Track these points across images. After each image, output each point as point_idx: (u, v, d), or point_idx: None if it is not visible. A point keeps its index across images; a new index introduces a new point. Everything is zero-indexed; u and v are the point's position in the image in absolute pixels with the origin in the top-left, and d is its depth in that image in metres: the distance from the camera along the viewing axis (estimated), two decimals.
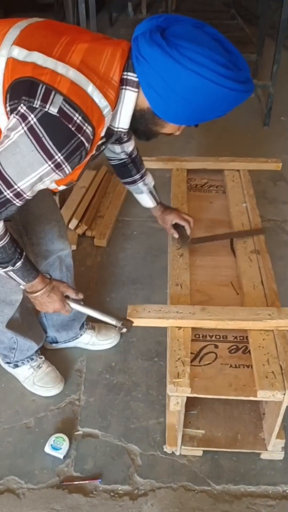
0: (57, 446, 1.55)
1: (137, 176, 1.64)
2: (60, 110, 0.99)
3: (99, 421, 1.65)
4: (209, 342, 1.47)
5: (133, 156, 1.60)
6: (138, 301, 2.03)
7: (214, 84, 0.99)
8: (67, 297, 1.36)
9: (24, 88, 1.01)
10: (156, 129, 1.17)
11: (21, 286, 1.29)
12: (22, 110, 1.01)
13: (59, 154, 1.03)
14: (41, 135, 1.01)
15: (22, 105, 1.01)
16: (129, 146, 1.55)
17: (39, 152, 1.02)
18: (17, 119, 1.02)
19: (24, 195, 1.10)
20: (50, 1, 5.01)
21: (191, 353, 1.41)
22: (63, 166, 1.06)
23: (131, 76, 1.07)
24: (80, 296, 1.38)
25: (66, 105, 0.99)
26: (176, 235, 1.74)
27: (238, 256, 1.73)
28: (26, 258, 1.24)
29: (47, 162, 1.04)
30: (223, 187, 2.11)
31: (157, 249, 2.31)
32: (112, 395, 1.73)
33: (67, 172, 1.08)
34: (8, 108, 1.05)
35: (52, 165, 1.04)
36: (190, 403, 1.58)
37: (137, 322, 1.45)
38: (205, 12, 5.33)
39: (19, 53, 1.04)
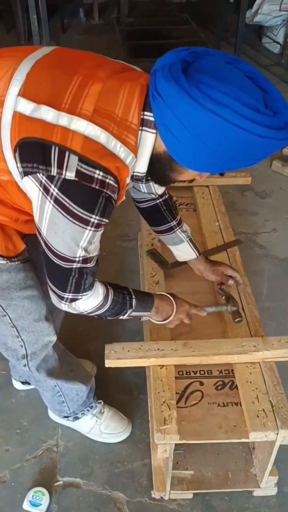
0: (36, 502, 1.43)
1: (174, 223, 1.46)
2: (78, 172, 0.90)
3: (80, 468, 1.53)
4: (194, 379, 1.38)
5: (166, 198, 1.43)
6: (114, 329, 1.93)
7: (238, 128, 0.84)
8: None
9: (36, 152, 0.92)
10: (173, 175, 1.04)
11: (152, 319, 1.32)
12: (43, 181, 0.93)
13: (94, 216, 0.96)
14: (68, 205, 0.94)
15: (41, 174, 0.92)
16: (158, 187, 1.37)
17: (74, 223, 0.96)
18: (42, 192, 0.94)
19: (88, 257, 1.04)
20: None
21: (176, 393, 1.32)
22: (102, 223, 0.99)
23: (148, 115, 0.95)
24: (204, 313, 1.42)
25: (83, 165, 0.90)
26: (231, 282, 1.55)
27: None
28: (135, 291, 1.24)
29: (86, 228, 0.98)
30: (193, 204, 2.04)
31: (129, 270, 2.22)
32: None
33: (106, 224, 1.01)
34: (21, 169, 0.95)
35: (92, 228, 0.98)
36: None
37: (117, 364, 1.35)
38: (158, 17, 5.29)
39: (26, 107, 0.92)
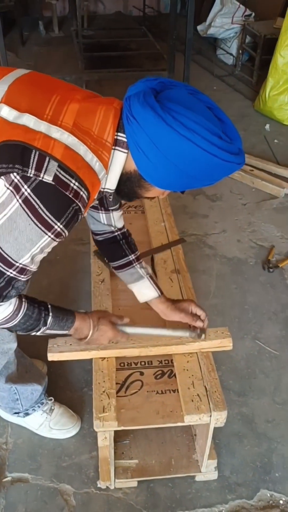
0: None
1: (133, 257, 1.44)
2: (56, 177, 0.94)
3: (29, 464, 1.57)
4: (134, 370, 1.44)
5: (124, 231, 1.46)
6: None
7: (206, 153, 0.94)
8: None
9: (15, 154, 0.95)
10: (140, 192, 1.11)
11: (70, 333, 1.26)
12: (15, 180, 0.95)
13: (59, 224, 0.98)
14: (37, 207, 0.95)
15: (15, 174, 0.95)
16: (118, 219, 1.41)
17: (37, 225, 0.97)
18: (11, 190, 0.95)
19: (28, 269, 1.04)
20: None
21: (116, 383, 1.38)
22: (63, 234, 1.01)
23: (121, 136, 1.02)
24: (126, 321, 1.34)
25: (62, 172, 0.94)
26: (200, 324, 1.41)
27: (159, 277, 1.73)
28: (54, 308, 1.19)
29: (46, 234, 0.98)
30: (142, 207, 2.12)
31: (82, 272, 2.27)
32: None
33: (65, 236, 1.03)
34: None
35: (52, 236, 0.99)
36: (123, 432, 1.55)
37: (59, 357, 1.40)
38: (117, 30, 5.41)
39: (9, 113, 0.97)
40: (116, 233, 1.44)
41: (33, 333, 1.19)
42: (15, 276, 1.03)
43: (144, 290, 1.45)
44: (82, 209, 1.01)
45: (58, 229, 0.99)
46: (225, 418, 1.32)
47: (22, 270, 1.03)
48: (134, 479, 1.49)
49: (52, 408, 1.63)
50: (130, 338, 1.38)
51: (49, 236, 0.99)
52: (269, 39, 4.00)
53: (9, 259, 1.00)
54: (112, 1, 5.91)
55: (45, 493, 1.50)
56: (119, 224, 1.43)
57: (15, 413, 1.60)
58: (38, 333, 1.19)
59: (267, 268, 2.34)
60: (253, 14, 4.46)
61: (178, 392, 1.38)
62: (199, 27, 4.72)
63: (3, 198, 0.96)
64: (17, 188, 0.95)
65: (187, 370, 1.41)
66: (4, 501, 1.47)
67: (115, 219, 1.41)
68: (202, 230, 2.61)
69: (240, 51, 4.46)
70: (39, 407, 1.60)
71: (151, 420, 1.32)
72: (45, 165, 0.94)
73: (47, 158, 0.94)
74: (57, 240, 1.01)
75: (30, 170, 0.94)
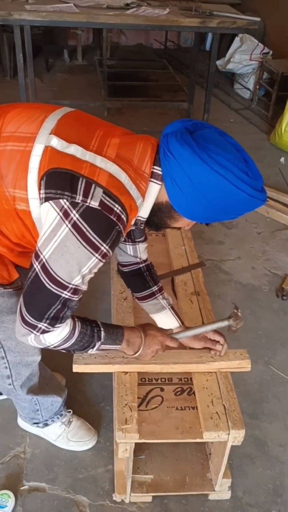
0: (2, 504, 1.48)
1: (156, 288, 1.52)
2: (101, 203, 1.03)
3: (46, 474, 1.60)
4: (155, 386, 1.49)
5: (148, 264, 1.53)
6: None
7: (236, 188, 1.04)
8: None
9: (64, 181, 1.03)
10: (170, 222, 1.19)
11: (124, 353, 1.34)
12: (65, 206, 1.03)
13: (105, 245, 1.06)
14: (85, 230, 1.03)
15: (65, 200, 1.03)
16: (143, 251, 1.50)
17: (86, 247, 1.04)
18: (60, 216, 1.03)
19: (80, 289, 1.11)
20: None
21: (138, 397, 1.42)
22: (108, 254, 1.08)
23: (157, 169, 1.11)
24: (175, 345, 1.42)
25: (107, 198, 1.03)
26: (219, 348, 1.48)
27: (179, 298, 1.79)
28: (103, 324, 1.26)
29: (94, 255, 1.06)
30: (163, 230, 2.20)
31: (100, 292, 2.33)
32: None
33: (110, 257, 1.10)
34: (43, 195, 1.05)
35: (99, 257, 1.06)
36: (138, 447, 1.58)
37: (84, 369, 1.45)
38: (138, 60, 5.62)
39: (58, 144, 1.06)
40: (141, 265, 1.52)
41: (90, 350, 1.25)
42: (69, 297, 1.10)
43: (165, 320, 1.53)
44: (123, 231, 1.09)
45: (105, 250, 1.06)
46: (242, 437, 1.36)
47: (75, 291, 1.10)
48: (149, 494, 1.52)
49: (71, 420, 1.68)
50: (178, 343, 1.43)
51: (96, 257, 1.06)
52: (285, 76, 4.16)
53: (63, 281, 1.07)
54: (134, 33, 6.15)
55: (61, 504, 1.53)
56: (144, 256, 1.52)
57: (35, 423, 1.64)
58: (94, 350, 1.25)
59: (281, 296, 2.40)
60: (271, 52, 4.65)
61: (197, 409, 1.42)
62: (218, 62, 4.90)
63: (54, 225, 1.04)
64: (66, 214, 1.03)
65: (206, 388, 1.45)
66: (21, 509, 1.50)
67: (141, 251, 1.50)
68: (218, 256, 2.68)
69: (257, 86, 4.62)
70: (58, 418, 1.65)
71: (171, 435, 1.37)
72: (91, 191, 1.03)
73: (93, 185, 1.03)
74: (103, 260, 1.09)
75: (78, 196, 1.02)
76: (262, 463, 1.69)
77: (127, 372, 1.47)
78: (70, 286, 1.08)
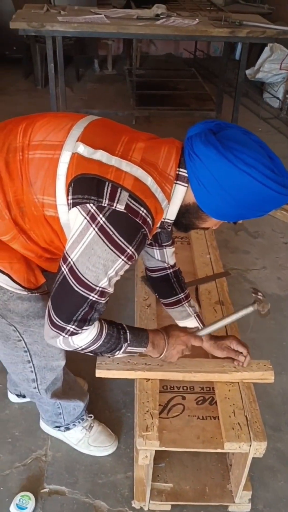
0: (22, 505, 1.50)
1: (182, 295, 1.53)
2: (127, 206, 1.05)
3: (66, 477, 1.61)
4: (176, 394, 1.49)
5: (176, 270, 1.54)
6: None
7: (262, 185, 1.05)
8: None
9: (90, 186, 1.06)
10: (198, 223, 1.21)
11: (151, 356, 1.35)
12: (92, 210, 1.05)
13: (130, 247, 1.08)
14: (111, 233, 1.05)
15: (92, 204, 1.05)
16: (170, 256, 1.51)
17: (112, 250, 1.07)
18: (87, 220, 1.06)
19: (106, 291, 1.13)
20: (19, 56, 5.18)
21: (159, 405, 1.43)
22: (134, 257, 1.10)
23: (183, 172, 1.13)
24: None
25: (132, 201, 1.05)
26: (242, 359, 1.47)
27: (203, 307, 1.79)
28: (128, 326, 1.28)
29: (120, 257, 1.08)
30: (188, 238, 2.20)
31: (124, 298, 2.34)
32: None
33: (135, 260, 1.13)
34: (71, 201, 1.08)
35: (125, 259, 1.09)
36: (158, 455, 1.58)
37: (106, 374, 1.46)
38: (167, 70, 5.66)
39: (84, 150, 1.09)
40: (168, 271, 1.53)
41: (116, 353, 1.27)
42: (97, 300, 1.12)
43: (190, 328, 1.52)
44: (149, 234, 1.10)
45: (130, 253, 1.08)
46: (264, 449, 1.34)
47: (102, 293, 1.12)
48: (168, 503, 1.52)
49: (92, 425, 1.69)
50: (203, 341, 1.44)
51: (123, 260, 1.08)
52: None
53: (90, 284, 1.09)
54: (164, 43, 6.20)
55: (80, 508, 1.54)
56: (172, 261, 1.53)
57: (56, 426, 1.66)
58: (120, 352, 1.27)
59: None
60: None
61: (218, 419, 1.41)
62: (247, 71, 4.89)
63: (80, 229, 1.07)
64: (93, 218, 1.05)
65: (229, 398, 1.44)
66: (41, 511, 1.52)
67: (168, 256, 1.51)
68: (243, 265, 2.66)
69: (287, 96, 4.58)
70: (79, 422, 1.66)
71: (192, 444, 1.36)
72: (117, 195, 1.05)
73: (119, 189, 1.05)
74: (129, 263, 1.10)
75: (104, 200, 1.05)
76: (284, 476, 1.66)
77: (149, 379, 1.47)
78: (97, 288, 1.10)
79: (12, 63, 5.26)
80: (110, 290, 1.14)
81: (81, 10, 3.47)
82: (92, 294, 1.11)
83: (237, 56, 5.84)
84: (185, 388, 1.51)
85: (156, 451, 1.37)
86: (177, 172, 1.13)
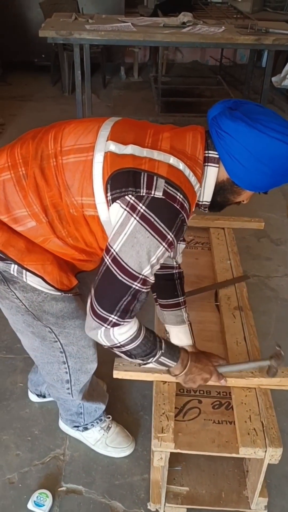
0: (40, 503, 1.53)
1: (182, 299, 1.53)
2: (165, 192, 1.08)
3: (83, 477, 1.64)
4: (193, 397, 1.50)
5: (181, 272, 1.55)
6: None
7: None
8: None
9: (127, 178, 1.10)
10: (233, 198, 1.24)
11: (172, 369, 1.34)
12: (131, 201, 1.09)
13: (170, 233, 1.11)
14: (152, 220, 1.09)
15: (130, 195, 1.09)
16: (180, 253, 1.53)
17: (154, 236, 1.09)
18: (127, 211, 1.09)
19: (149, 280, 1.15)
20: (47, 63, 5.29)
21: (175, 407, 1.44)
22: (174, 243, 1.13)
23: (212, 153, 1.17)
24: (223, 361, 1.43)
25: (169, 187, 1.09)
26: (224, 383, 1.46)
27: (222, 312, 1.79)
28: (163, 338, 1.30)
29: (162, 244, 1.11)
30: (209, 244, 2.21)
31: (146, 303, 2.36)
32: None
33: (175, 247, 1.17)
34: (110, 197, 1.12)
35: (166, 245, 1.11)
36: (175, 458, 1.59)
37: (123, 375, 1.48)
38: (193, 77, 5.68)
39: (116, 148, 1.14)
40: (175, 271, 1.53)
41: (150, 359, 1.27)
42: (139, 288, 1.14)
43: (182, 335, 1.52)
44: (186, 219, 1.13)
45: (171, 239, 1.11)
46: (280, 455, 1.34)
47: (144, 282, 1.14)
48: (183, 506, 1.52)
49: (110, 426, 1.71)
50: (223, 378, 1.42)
51: (164, 246, 1.11)
52: None
53: (134, 272, 1.11)
54: (190, 51, 6.23)
55: (96, 508, 1.56)
56: (180, 259, 1.54)
57: (75, 426, 1.69)
58: (154, 360, 1.28)
59: None
60: None
61: (234, 424, 1.41)
62: (273, 78, 4.87)
63: (121, 220, 1.10)
64: (133, 208, 1.09)
65: (245, 404, 1.44)
66: (58, 510, 1.55)
67: (179, 252, 1.52)
68: (265, 272, 2.65)
69: None
70: (97, 423, 1.69)
71: (207, 447, 1.37)
72: (154, 183, 1.09)
73: (155, 177, 1.09)
74: (169, 250, 1.13)
75: (142, 190, 1.08)
76: None
77: (165, 382, 1.49)
78: (140, 276, 1.12)
79: (40, 70, 5.38)
80: (152, 279, 1.16)
81: (108, 18, 3.53)
82: (135, 283, 1.12)
83: (263, 63, 5.83)
84: (201, 392, 1.52)
85: (173, 455, 1.38)
86: (206, 155, 1.16)
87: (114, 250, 1.12)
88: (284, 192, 3.47)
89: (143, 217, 1.08)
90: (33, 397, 1.89)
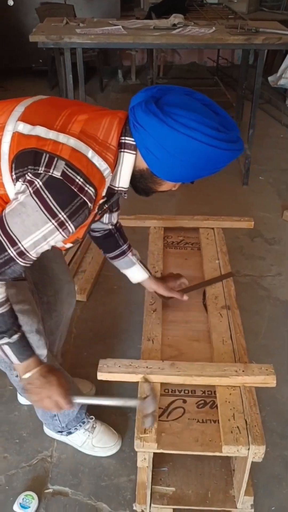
0: (25, 505, 1.53)
1: (125, 247, 1.63)
2: (63, 173, 1.08)
3: (70, 479, 1.63)
4: (177, 397, 1.49)
5: (118, 225, 1.61)
6: (115, 355, 2.05)
7: (207, 145, 1.08)
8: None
9: (29, 158, 1.11)
10: (154, 187, 1.26)
11: (15, 366, 1.27)
12: (28, 177, 1.10)
13: (63, 213, 1.10)
14: (45, 196, 1.09)
15: (28, 173, 1.10)
16: (116, 217, 1.60)
17: (43, 212, 1.10)
18: (25, 185, 1.11)
19: (28, 254, 1.15)
20: (45, 68, 5.32)
21: (159, 408, 1.43)
22: (66, 224, 1.12)
23: (129, 140, 1.17)
24: (78, 401, 1.36)
25: (68, 169, 1.09)
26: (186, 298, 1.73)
27: (209, 312, 1.78)
28: (24, 335, 1.25)
29: (50, 221, 1.11)
30: (198, 244, 2.20)
31: (135, 303, 2.36)
32: None
33: (71, 231, 1.15)
34: (14, 176, 1.14)
35: (55, 224, 1.11)
36: (162, 459, 1.59)
37: (107, 377, 1.48)
38: (191, 79, 5.69)
39: (24, 128, 1.14)
40: (111, 227, 1.59)
41: None
42: (14, 257, 1.14)
43: (136, 274, 1.68)
44: (89, 204, 1.13)
45: (62, 218, 1.10)
46: (263, 453, 1.33)
47: (22, 253, 1.14)
48: (169, 507, 1.51)
49: (94, 426, 1.70)
50: (73, 407, 1.35)
51: (53, 224, 1.11)
52: None
53: (14, 237, 1.12)
54: (188, 53, 6.24)
55: (82, 509, 1.55)
56: (115, 220, 1.60)
57: (58, 431, 1.69)
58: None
59: None
60: None
61: (218, 423, 1.40)
62: (270, 78, 4.86)
63: (19, 191, 1.12)
64: (30, 182, 1.10)
65: (229, 402, 1.43)
66: (44, 511, 1.54)
67: (114, 217, 1.59)
68: (257, 271, 2.63)
69: None
70: (80, 426, 1.68)
71: (190, 447, 1.36)
72: (54, 163, 1.09)
73: (56, 158, 1.09)
74: (61, 230, 1.12)
75: (40, 168, 1.09)
76: None
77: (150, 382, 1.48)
78: (19, 245, 1.12)
79: (38, 75, 5.41)
80: (32, 254, 1.15)
81: (99, 22, 3.54)
82: (12, 249, 1.12)
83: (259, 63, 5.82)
84: (186, 391, 1.51)
85: (160, 455, 1.38)
86: (121, 141, 1.16)
87: (4, 213, 1.13)
88: (279, 192, 3.46)
89: (37, 192, 1.09)
90: (22, 400, 1.89)
